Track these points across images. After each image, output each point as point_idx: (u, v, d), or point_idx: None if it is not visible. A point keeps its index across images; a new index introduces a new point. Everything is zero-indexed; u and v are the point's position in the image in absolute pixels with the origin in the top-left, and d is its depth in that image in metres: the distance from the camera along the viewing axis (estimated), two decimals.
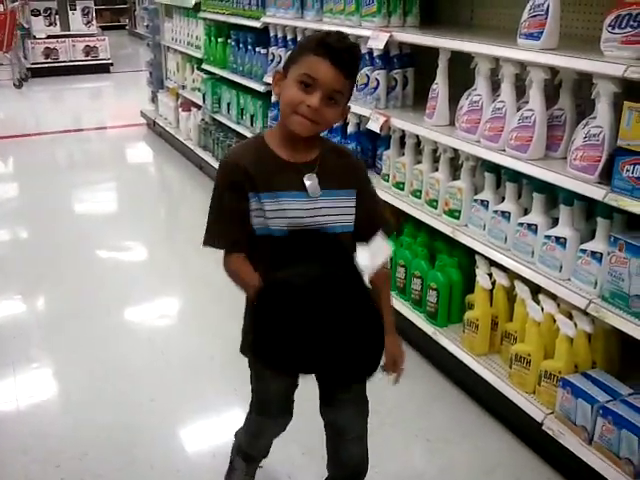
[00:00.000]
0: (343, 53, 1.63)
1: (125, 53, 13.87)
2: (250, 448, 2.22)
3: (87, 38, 11.46)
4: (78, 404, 2.87)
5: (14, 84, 10.32)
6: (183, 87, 6.54)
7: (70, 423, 2.75)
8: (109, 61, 11.71)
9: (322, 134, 1.81)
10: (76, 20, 11.42)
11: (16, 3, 11.20)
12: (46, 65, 11.21)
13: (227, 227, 1.74)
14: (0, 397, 2.94)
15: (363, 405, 2.03)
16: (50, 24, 11.22)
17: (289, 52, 1.70)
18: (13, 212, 5.30)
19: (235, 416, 2.51)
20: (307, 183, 1.72)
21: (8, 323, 3.57)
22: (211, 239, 1.76)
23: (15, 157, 7.08)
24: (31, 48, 11.15)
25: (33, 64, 11.19)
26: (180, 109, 6.54)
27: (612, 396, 2.20)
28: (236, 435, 2.26)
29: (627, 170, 2.05)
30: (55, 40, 11.23)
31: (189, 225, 5.02)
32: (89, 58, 11.47)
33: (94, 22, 11.65)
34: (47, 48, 11.19)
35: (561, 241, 2.38)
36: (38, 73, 11.12)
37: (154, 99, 7.53)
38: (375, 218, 1.87)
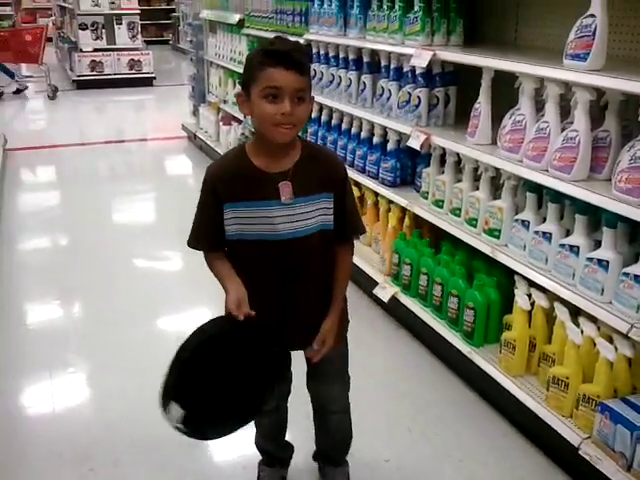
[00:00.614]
0: (291, 54, 1.76)
1: (168, 67, 14.14)
2: (265, 444, 2.34)
3: (132, 52, 11.70)
4: (112, 410, 2.90)
5: (48, 95, 10.59)
6: (224, 102, 6.62)
7: (104, 429, 2.78)
8: (152, 75, 11.94)
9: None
10: (122, 34, 11.66)
11: (49, 19, 11.52)
12: (92, 77, 11.47)
13: (205, 231, 1.95)
14: (37, 400, 3.00)
15: (343, 381, 2.22)
16: (97, 38, 11.48)
17: (244, 72, 1.86)
18: (54, 220, 5.42)
19: None
20: (281, 190, 1.86)
21: (46, 328, 3.65)
22: (192, 241, 1.99)
23: (58, 166, 7.25)
24: (77, 61, 11.42)
25: (79, 76, 11.46)
26: (221, 123, 6.63)
27: None
28: (256, 443, 2.35)
29: None
30: (101, 53, 11.49)
31: None
32: (133, 71, 11.71)
33: (139, 36, 11.89)
34: (93, 61, 11.44)
35: (603, 264, 2.35)
36: (84, 85, 11.39)
37: (195, 112, 7.65)
38: (351, 219, 2.01)
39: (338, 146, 4.16)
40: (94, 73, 11.50)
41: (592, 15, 2.27)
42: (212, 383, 1.80)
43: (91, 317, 3.79)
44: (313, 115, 4.48)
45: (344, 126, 4.14)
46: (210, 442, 2.68)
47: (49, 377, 3.14)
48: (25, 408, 2.97)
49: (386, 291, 3.53)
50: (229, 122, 6.46)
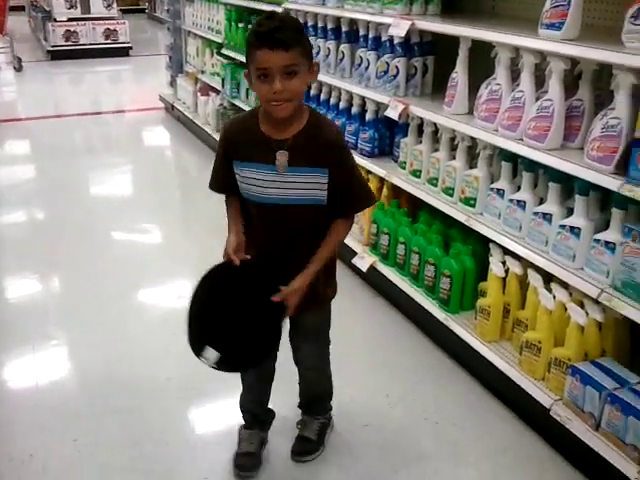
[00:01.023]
0: (274, 34, 1.82)
1: (144, 37, 13.93)
2: (249, 404, 2.43)
3: (107, 21, 11.54)
4: (94, 382, 2.93)
5: (14, 67, 10.40)
6: (202, 72, 6.58)
7: (86, 400, 2.81)
8: (129, 44, 11.79)
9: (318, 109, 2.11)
10: (97, 3, 11.47)
11: None
12: (66, 48, 11.29)
13: (218, 178, 2.17)
14: (20, 373, 3.01)
15: (320, 344, 2.38)
16: (71, 7, 11.29)
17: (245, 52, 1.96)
18: (31, 193, 5.37)
19: None
20: (277, 158, 1.98)
21: (26, 302, 3.64)
22: (211, 185, 2.19)
23: (33, 139, 7.16)
24: (52, 31, 11.25)
25: (53, 46, 11.29)
26: (199, 94, 6.59)
27: (620, 384, 2.24)
28: (240, 406, 2.46)
29: None
30: (76, 23, 11.32)
31: (204, 208, 5.08)
32: (109, 41, 11.56)
33: (114, 5, 11.69)
34: (67, 31, 11.28)
35: (575, 231, 2.40)
36: (58, 56, 11.22)
37: (173, 83, 7.58)
38: (349, 198, 2.09)
39: None
40: (69, 43, 11.34)
41: None
42: (231, 322, 2.03)
43: (72, 290, 3.79)
44: None
45: (323, 96, 4.15)
46: (194, 410, 2.74)
47: (32, 350, 3.16)
48: (7, 381, 2.98)
49: (365, 260, 3.58)
50: (207, 93, 6.42)
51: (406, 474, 2.43)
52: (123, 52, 11.65)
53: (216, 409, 2.78)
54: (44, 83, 10.16)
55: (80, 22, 11.34)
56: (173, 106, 7.35)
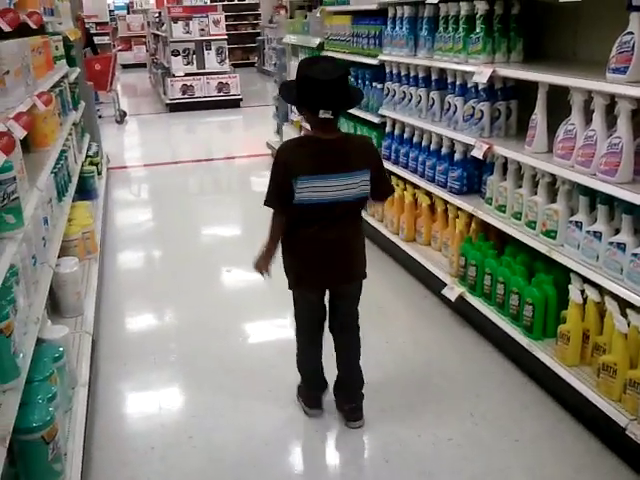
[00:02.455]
0: None
1: (254, 89, 14.83)
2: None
3: (220, 75, 12.41)
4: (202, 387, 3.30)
5: (116, 120, 11.32)
6: None
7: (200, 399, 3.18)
8: (239, 96, 12.60)
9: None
10: (211, 59, 12.39)
11: (116, 49, 12.17)
12: (183, 100, 12.23)
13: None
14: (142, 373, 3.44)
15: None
16: (188, 63, 12.26)
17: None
18: (147, 232, 5.97)
19: None
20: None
21: (148, 327, 4.10)
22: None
23: (152, 183, 7.87)
24: (170, 85, 12.22)
25: (172, 99, 12.25)
26: None
27: None
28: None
29: None
30: (192, 77, 12.25)
31: None
32: (221, 94, 12.41)
33: (227, 61, 12.59)
34: (184, 85, 12.21)
35: None
36: (176, 108, 12.18)
37: (279, 131, 8.12)
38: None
39: (410, 158, 4.48)
40: (185, 96, 12.27)
41: (630, 32, 2.51)
42: None
43: (182, 320, 4.20)
44: (387, 129, 4.82)
45: (415, 139, 4.46)
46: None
47: (153, 362, 3.60)
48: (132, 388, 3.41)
49: (454, 291, 3.80)
50: None
51: None
52: (234, 103, 12.48)
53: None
54: (163, 132, 11.06)
55: (196, 77, 12.26)
56: None
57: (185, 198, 7.15)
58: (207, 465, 2.78)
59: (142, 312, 4.32)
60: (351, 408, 2.99)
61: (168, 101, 12.35)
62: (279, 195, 2.66)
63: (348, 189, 2.62)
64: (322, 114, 2.52)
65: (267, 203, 2.73)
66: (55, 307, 3.58)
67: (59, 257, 3.42)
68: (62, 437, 2.39)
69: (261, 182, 7.77)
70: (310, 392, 3.10)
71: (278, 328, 3.96)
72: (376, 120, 4.95)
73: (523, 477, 2.66)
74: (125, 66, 20.22)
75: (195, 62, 12.33)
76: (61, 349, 2.74)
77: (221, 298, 4.48)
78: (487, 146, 3.51)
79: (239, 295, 4.49)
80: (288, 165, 2.62)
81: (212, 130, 11.30)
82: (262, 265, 2.83)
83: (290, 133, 7.54)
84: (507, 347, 3.43)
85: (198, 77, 12.27)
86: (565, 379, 2.92)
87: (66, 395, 2.75)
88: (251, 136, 10.26)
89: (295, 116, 7.44)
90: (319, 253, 2.74)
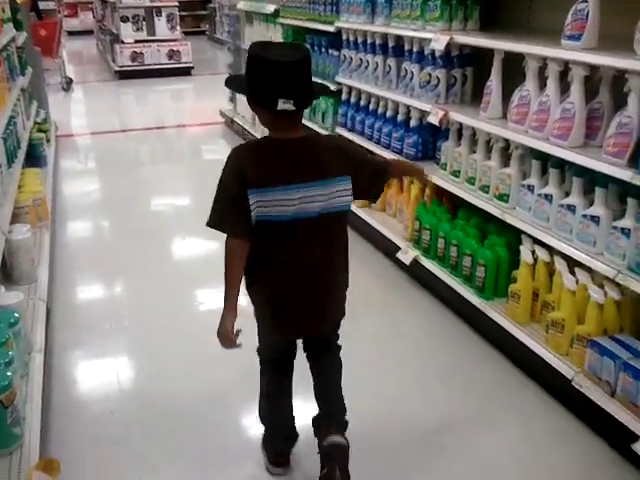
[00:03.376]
0: None
1: (205, 57, 14.61)
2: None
3: (171, 43, 12.20)
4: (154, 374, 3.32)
5: (62, 87, 11.00)
6: None
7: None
8: (191, 64, 12.42)
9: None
10: (161, 26, 12.16)
11: (62, 14, 11.77)
12: (133, 68, 11.99)
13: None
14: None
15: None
16: (137, 29, 12.00)
17: None
18: (98, 201, 5.87)
19: None
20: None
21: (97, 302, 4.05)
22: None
23: (102, 152, 7.71)
24: (119, 52, 11.95)
25: (121, 67, 11.99)
26: None
27: (634, 354, 2.49)
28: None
29: None
30: (141, 45, 12.00)
31: None
32: (172, 61, 12.21)
33: (178, 28, 12.37)
34: (134, 52, 11.96)
35: (596, 219, 2.68)
36: (125, 76, 11.93)
37: (232, 99, 8.06)
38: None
39: (366, 125, 4.53)
40: (135, 63, 12.02)
41: (585, 1, 2.60)
42: None
43: (133, 293, 4.13)
44: (344, 97, 4.86)
45: (371, 106, 4.51)
46: None
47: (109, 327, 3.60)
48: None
49: (408, 255, 3.89)
50: None
51: (441, 436, 2.72)
52: (185, 71, 12.30)
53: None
54: (112, 101, 10.83)
55: (146, 44, 12.02)
56: (233, 120, 7.82)
57: (136, 167, 7.05)
58: (167, 426, 2.80)
59: (95, 280, 4.27)
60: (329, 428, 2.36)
61: (117, 68, 12.09)
62: (235, 213, 2.06)
63: (319, 201, 2.08)
64: (282, 105, 1.96)
65: (216, 225, 2.11)
66: (8, 275, 3.52)
67: (11, 224, 3.37)
68: (20, 401, 2.38)
69: (215, 150, 7.74)
70: (276, 446, 2.52)
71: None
72: (333, 87, 4.96)
73: (475, 427, 2.77)
74: (71, 33, 19.52)
75: (145, 29, 12.09)
76: (16, 315, 2.71)
77: (175, 266, 4.48)
78: (443, 112, 3.58)
79: (192, 263, 4.49)
80: (243, 173, 2.04)
81: (163, 98, 11.12)
82: (228, 332, 2.11)
83: (244, 101, 7.46)
84: (460, 307, 3.54)
85: (148, 44, 12.03)
86: (516, 336, 3.04)
87: (22, 360, 2.72)
88: (203, 104, 10.15)
89: None
90: (288, 288, 2.17)
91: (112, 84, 11.96)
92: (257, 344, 2.42)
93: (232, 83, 2.38)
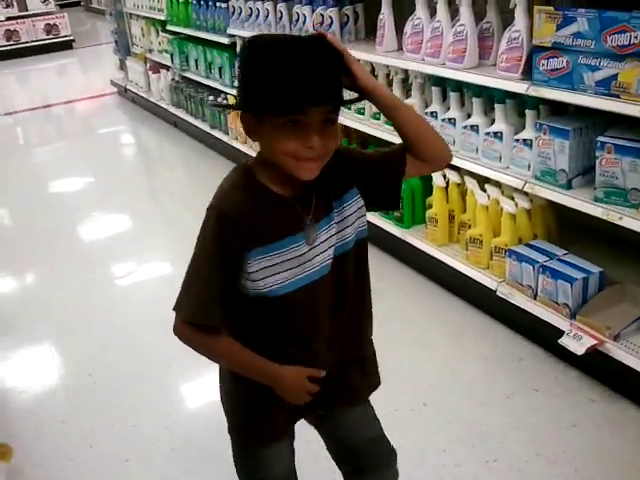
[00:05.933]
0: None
1: (85, 29, 13.96)
2: None
3: (46, 16, 11.59)
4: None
5: None
6: (150, 51, 6.81)
7: None
8: (71, 37, 11.85)
9: None
10: (33, 0, 11.50)
11: None
12: (9, 47, 11.33)
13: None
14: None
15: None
16: (8, 6, 11.32)
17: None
18: None
19: None
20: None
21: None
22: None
23: None
24: None
25: None
26: (150, 72, 6.83)
27: (549, 257, 2.65)
28: None
29: (543, 64, 2.46)
30: (15, 21, 11.35)
31: (169, 178, 5.40)
32: (51, 36, 11.62)
33: (51, 0, 11.73)
34: (8, 30, 11.30)
35: (498, 135, 2.79)
36: (3, 56, 11.25)
37: (123, 67, 7.79)
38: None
39: None
40: (11, 42, 11.39)
41: None
42: None
43: (45, 282, 3.97)
44: (238, 49, 4.78)
45: None
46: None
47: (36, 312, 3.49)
48: None
49: None
50: (157, 70, 6.67)
51: None
52: (66, 45, 11.74)
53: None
54: None
55: (19, 20, 11.38)
56: (126, 88, 7.58)
57: (27, 149, 6.74)
58: (110, 398, 2.78)
59: (5, 269, 4.11)
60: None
61: None
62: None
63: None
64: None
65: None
66: None
67: None
68: None
69: (110, 122, 7.45)
70: None
71: (156, 261, 3.96)
72: (226, 41, 4.89)
73: (408, 349, 2.89)
74: None
75: (16, 4, 11.42)
76: None
77: (89, 246, 4.34)
78: None
79: (99, 240, 4.38)
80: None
81: (47, 75, 10.58)
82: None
83: (135, 67, 7.26)
84: (383, 240, 3.63)
85: (22, 20, 11.41)
86: (438, 258, 3.17)
87: None
88: (91, 77, 9.76)
89: (138, 48, 7.16)
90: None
91: None
92: None
93: None
